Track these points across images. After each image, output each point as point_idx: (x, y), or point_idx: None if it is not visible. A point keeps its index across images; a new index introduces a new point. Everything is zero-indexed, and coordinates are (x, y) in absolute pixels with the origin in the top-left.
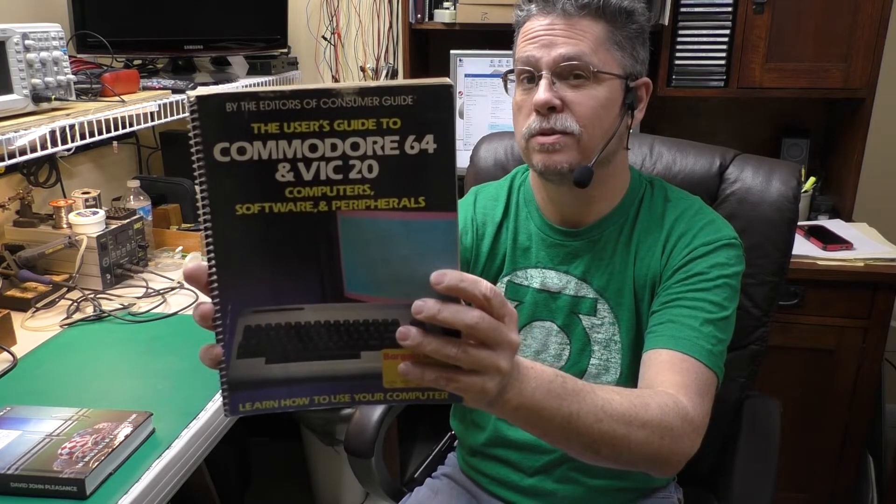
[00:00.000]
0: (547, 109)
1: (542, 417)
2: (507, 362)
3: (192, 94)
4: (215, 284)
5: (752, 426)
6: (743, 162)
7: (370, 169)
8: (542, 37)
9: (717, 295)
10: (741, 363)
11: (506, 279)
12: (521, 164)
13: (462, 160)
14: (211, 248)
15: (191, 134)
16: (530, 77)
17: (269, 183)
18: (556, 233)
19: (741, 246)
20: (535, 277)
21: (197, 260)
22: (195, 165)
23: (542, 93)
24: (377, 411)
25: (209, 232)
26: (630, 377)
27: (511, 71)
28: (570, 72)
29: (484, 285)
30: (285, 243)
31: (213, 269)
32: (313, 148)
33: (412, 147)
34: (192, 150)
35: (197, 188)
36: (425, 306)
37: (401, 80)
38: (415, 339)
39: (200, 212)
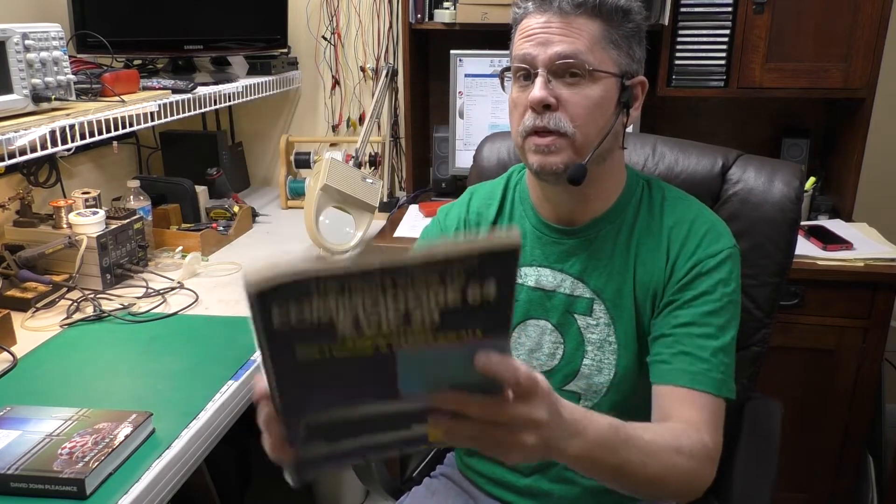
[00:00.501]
0: (542, 107)
1: (596, 465)
2: (532, 437)
3: (251, 281)
4: (281, 406)
5: (753, 428)
6: (745, 162)
7: (431, 316)
8: (538, 34)
9: (722, 316)
10: (743, 365)
11: None
12: None
13: (463, 160)
14: (274, 384)
15: (251, 313)
16: (526, 74)
17: (330, 335)
18: (551, 231)
19: (738, 249)
20: (530, 275)
21: (198, 259)
22: (254, 331)
23: (537, 90)
24: None
25: (272, 375)
26: (624, 379)
27: (507, 68)
28: (565, 70)
29: (521, 373)
30: (345, 376)
31: (278, 397)
32: (374, 303)
33: (474, 295)
34: (252, 320)
35: (256, 338)
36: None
37: (470, 243)
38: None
39: (260, 355)
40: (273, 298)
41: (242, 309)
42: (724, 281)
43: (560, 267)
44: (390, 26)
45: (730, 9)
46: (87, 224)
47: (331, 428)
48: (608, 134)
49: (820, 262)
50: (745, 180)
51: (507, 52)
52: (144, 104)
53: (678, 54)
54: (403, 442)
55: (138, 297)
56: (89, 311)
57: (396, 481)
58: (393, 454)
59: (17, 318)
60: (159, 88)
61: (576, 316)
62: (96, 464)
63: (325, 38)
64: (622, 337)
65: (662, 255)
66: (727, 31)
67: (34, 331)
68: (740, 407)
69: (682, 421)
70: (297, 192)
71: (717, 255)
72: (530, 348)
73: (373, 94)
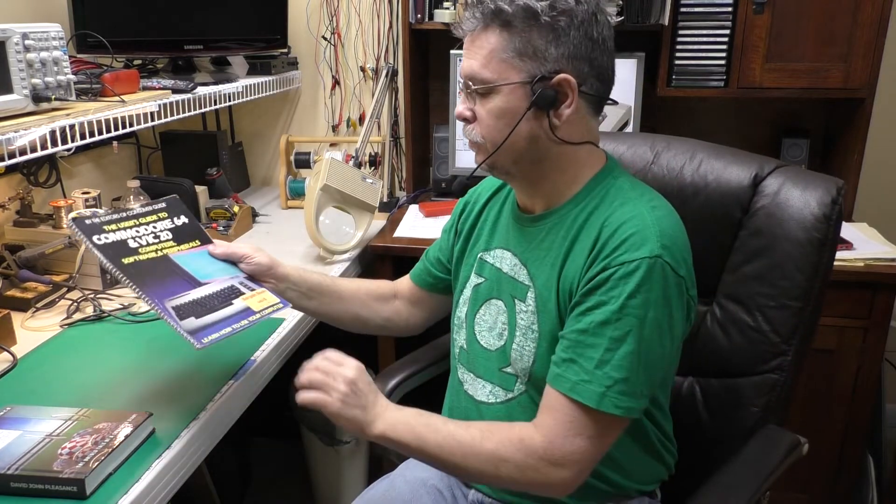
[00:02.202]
0: (462, 120)
1: (401, 442)
2: (334, 396)
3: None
4: (141, 293)
5: (746, 456)
6: (782, 174)
7: (167, 235)
8: (463, 56)
9: (620, 329)
10: (754, 391)
11: (479, 255)
12: None
13: (463, 160)
14: (126, 280)
15: (79, 236)
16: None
17: (129, 248)
18: (517, 218)
19: (662, 261)
20: (498, 257)
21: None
22: (91, 249)
23: (457, 106)
24: (391, 382)
25: (119, 274)
26: (541, 368)
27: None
28: (472, 87)
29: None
30: (155, 271)
31: (135, 288)
32: (136, 232)
33: (175, 223)
34: (84, 242)
35: (99, 258)
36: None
37: (155, 201)
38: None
39: (108, 266)
40: (86, 227)
41: None
42: (628, 293)
43: (515, 251)
44: (390, 26)
45: (730, 9)
46: None
47: (191, 307)
48: (509, 136)
49: None
50: (776, 193)
51: None
52: (144, 104)
53: (678, 54)
54: (240, 313)
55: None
56: (89, 311)
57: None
58: (245, 325)
59: (17, 318)
60: (159, 88)
61: (516, 300)
62: (96, 464)
63: (325, 38)
64: (544, 327)
65: (587, 252)
66: (727, 31)
67: (34, 331)
68: (749, 434)
69: (540, 420)
70: (297, 192)
71: (628, 264)
72: (490, 325)
73: (373, 94)
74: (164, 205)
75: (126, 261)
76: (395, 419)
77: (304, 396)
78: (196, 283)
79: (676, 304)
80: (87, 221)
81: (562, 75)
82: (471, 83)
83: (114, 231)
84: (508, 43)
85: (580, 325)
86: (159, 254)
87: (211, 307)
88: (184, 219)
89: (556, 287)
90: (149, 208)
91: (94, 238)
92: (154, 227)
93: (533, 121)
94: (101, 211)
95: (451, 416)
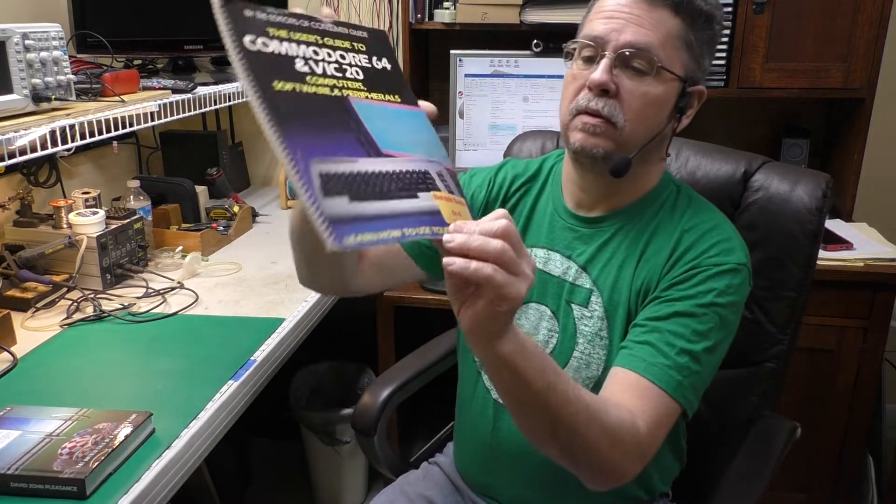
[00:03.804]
0: (600, 91)
1: (527, 374)
2: (525, 284)
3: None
4: (279, 138)
5: (753, 445)
6: (770, 170)
7: (357, 73)
8: (615, 16)
9: (703, 323)
10: (753, 380)
11: None
12: None
13: (463, 160)
14: (265, 112)
15: (223, 31)
16: (592, 53)
17: (292, 71)
18: (570, 217)
19: (748, 271)
20: (540, 257)
21: (197, 259)
22: (232, 55)
23: (599, 73)
24: (384, 393)
25: (259, 101)
26: None
27: (574, 41)
28: (632, 60)
29: (497, 236)
30: (319, 114)
31: (273, 127)
32: (315, 52)
33: (373, 63)
34: (227, 43)
35: (239, 72)
36: (455, 240)
37: (358, 25)
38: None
39: (247, 87)
40: (239, 21)
41: (242, 309)
42: (718, 292)
43: (569, 254)
44: (390, 26)
45: (730, 9)
46: (87, 224)
47: (349, 182)
48: (656, 136)
49: (820, 262)
50: (766, 188)
51: (507, 52)
52: (144, 104)
53: None
54: (423, 214)
55: (138, 297)
56: (89, 311)
57: (397, 460)
58: (426, 232)
59: (17, 318)
60: (159, 88)
61: (573, 305)
62: (96, 464)
63: None
64: (616, 333)
65: (667, 254)
66: (727, 31)
67: (34, 331)
68: (749, 425)
69: (633, 403)
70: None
71: (721, 266)
72: (527, 332)
73: None
74: (365, 34)
75: (279, 86)
76: (527, 343)
77: (489, 272)
78: (373, 151)
79: (741, 313)
80: (248, 13)
81: (701, 86)
82: (641, 53)
83: (281, 39)
84: (684, 33)
85: (660, 313)
86: (336, 93)
87: (381, 191)
88: (386, 63)
89: (630, 289)
90: (343, 29)
91: (246, 39)
92: (341, 57)
93: (668, 121)
94: (273, 9)
95: (471, 425)
